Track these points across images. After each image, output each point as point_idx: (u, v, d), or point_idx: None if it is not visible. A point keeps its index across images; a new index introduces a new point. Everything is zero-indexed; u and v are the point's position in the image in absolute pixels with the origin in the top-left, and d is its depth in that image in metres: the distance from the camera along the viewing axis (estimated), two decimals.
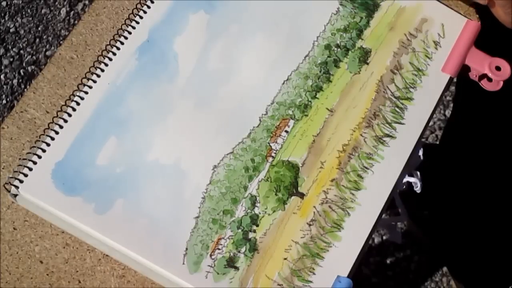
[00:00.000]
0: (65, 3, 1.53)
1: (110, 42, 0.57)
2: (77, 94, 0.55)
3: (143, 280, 0.53)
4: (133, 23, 0.58)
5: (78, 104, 0.55)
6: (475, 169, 0.91)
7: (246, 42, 0.58)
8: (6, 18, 1.51)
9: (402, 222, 1.30)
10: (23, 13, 1.51)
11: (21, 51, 1.48)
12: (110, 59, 0.56)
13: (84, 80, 0.56)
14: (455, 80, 0.61)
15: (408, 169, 0.57)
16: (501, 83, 0.58)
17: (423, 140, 0.77)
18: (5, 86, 1.45)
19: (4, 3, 1.52)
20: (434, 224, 1.18)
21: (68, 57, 0.59)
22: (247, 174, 0.54)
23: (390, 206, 0.56)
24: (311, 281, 0.51)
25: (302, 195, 0.54)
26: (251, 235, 0.52)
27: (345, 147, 0.55)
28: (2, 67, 1.46)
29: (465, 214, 1.00)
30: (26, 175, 0.52)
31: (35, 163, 0.53)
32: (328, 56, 0.58)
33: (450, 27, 0.60)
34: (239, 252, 0.52)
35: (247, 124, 0.56)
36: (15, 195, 0.52)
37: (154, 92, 0.56)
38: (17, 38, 1.49)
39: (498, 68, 0.58)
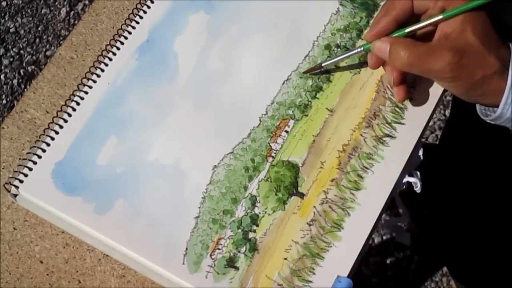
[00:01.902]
0: (65, 3, 1.53)
1: (110, 42, 0.57)
2: (77, 94, 0.55)
3: (143, 280, 0.53)
4: (133, 23, 0.58)
5: (78, 104, 0.55)
6: (475, 169, 0.91)
7: (246, 42, 0.58)
8: (6, 18, 1.51)
9: (403, 223, 1.30)
10: (23, 13, 1.51)
11: (21, 51, 1.48)
12: (110, 59, 0.56)
13: (84, 80, 0.56)
14: None
15: (408, 169, 0.56)
16: None
17: (423, 140, 0.77)
18: (5, 86, 1.45)
19: (4, 3, 1.52)
20: (434, 224, 1.18)
21: (68, 57, 0.59)
22: (247, 174, 0.54)
23: (390, 206, 0.56)
24: (311, 281, 0.51)
25: (302, 195, 0.54)
26: (251, 235, 0.52)
27: (345, 147, 0.55)
28: (2, 67, 1.46)
29: (465, 214, 1.00)
30: (26, 175, 0.52)
31: (35, 163, 0.53)
32: (328, 56, 0.58)
33: None
34: (239, 252, 0.52)
35: (247, 124, 0.56)
36: (15, 195, 0.52)
37: (154, 92, 0.56)
38: (17, 38, 1.49)
39: None
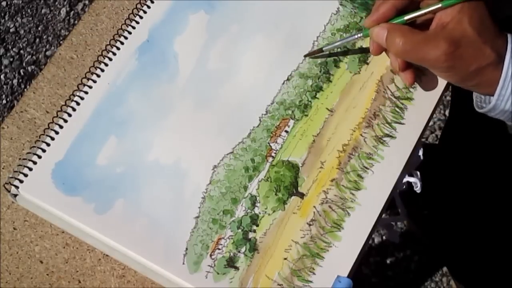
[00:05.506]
0: (65, 3, 1.53)
1: (110, 42, 0.57)
2: (77, 94, 0.55)
3: (143, 280, 0.53)
4: (133, 23, 0.58)
5: (78, 104, 0.55)
6: (475, 169, 0.91)
7: (246, 42, 0.58)
8: (6, 18, 1.51)
9: (401, 222, 1.30)
10: (23, 13, 1.51)
11: (21, 51, 1.48)
12: (110, 59, 0.56)
13: (84, 80, 0.56)
14: None
15: (408, 169, 0.56)
16: None
17: (423, 140, 0.77)
18: (5, 86, 1.45)
19: (4, 3, 1.52)
20: (434, 224, 1.18)
21: (68, 57, 0.59)
22: (247, 174, 0.54)
23: (390, 206, 0.56)
24: (311, 281, 0.51)
25: (302, 195, 0.54)
26: (251, 235, 0.52)
27: (345, 147, 0.55)
28: (2, 67, 1.46)
29: (465, 214, 1.00)
30: (26, 175, 0.52)
31: (35, 163, 0.53)
32: (328, 56, 0.58)
33: None
34: (239, 252, 0.52)
35: (247, 124, 0.56)
36: (15, 195, 0.52)
37: (154, 92, 0.56)
38: (17, 38, 1.49)
39: None
